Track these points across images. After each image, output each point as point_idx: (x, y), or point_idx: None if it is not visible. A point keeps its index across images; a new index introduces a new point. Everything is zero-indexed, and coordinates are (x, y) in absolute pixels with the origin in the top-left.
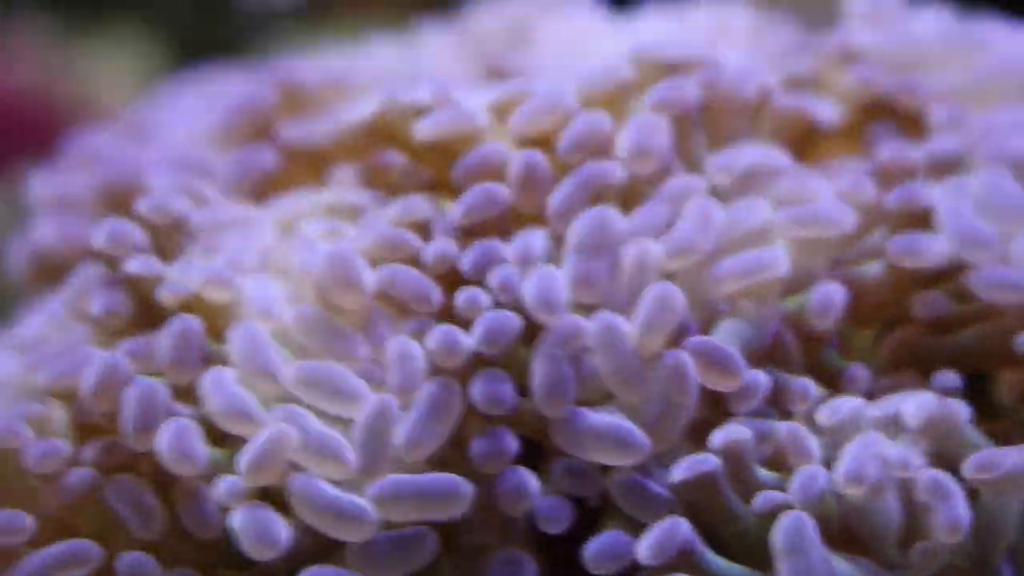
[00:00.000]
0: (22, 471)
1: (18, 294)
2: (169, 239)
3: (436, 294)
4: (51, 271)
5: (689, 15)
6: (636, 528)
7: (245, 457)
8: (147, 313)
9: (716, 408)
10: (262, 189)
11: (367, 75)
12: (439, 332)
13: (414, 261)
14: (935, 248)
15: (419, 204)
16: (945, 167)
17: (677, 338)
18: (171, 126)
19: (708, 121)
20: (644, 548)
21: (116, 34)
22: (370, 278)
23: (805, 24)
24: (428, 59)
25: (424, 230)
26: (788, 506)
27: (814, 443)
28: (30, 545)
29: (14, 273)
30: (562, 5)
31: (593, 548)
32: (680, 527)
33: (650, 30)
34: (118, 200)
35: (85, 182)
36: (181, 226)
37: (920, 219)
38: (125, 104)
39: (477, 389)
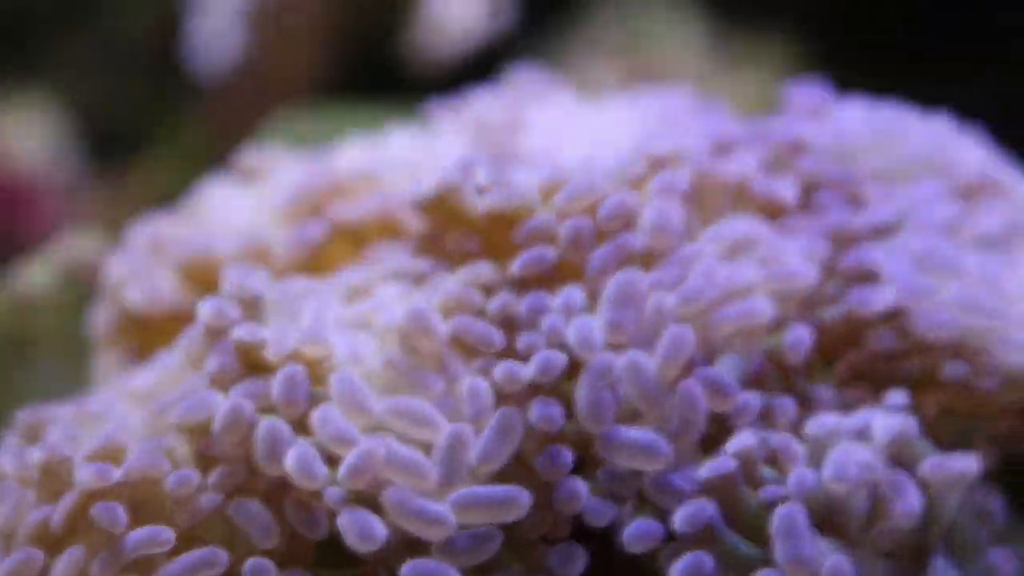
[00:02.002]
0: (161, 495)
1: (94, 351)
2: (253, 311)
3: (499, 338)
4: (130, 334)
5: (645, 99)
6: (662, 518)
7: (343, 467)
8: (252, 369)
9: (721, 426)
10: (314, 263)
11: (391, 163)
12: (503, 366)
13: (479, 313)
14: (881, 298)
15: (483, 267)
16: (883, 231)
17: (688, 369)
18: (228, 212)
19: (700, 200)
20: (679, 519)
21: (29, 104)
22: (443, 328)
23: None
24: (441, 148)
25: (486, 288)
26: (785, 498)
27: (800, 449)
28: (167, 555)
29: (95, 337)
30: (546, 94)
31: (629, 531)
32: (708, 507)
33: (617, 113)
34: (194, 279)
35: (160, 263)
36: (260, 300)
37: (867, 275)
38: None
39: (534, 411)
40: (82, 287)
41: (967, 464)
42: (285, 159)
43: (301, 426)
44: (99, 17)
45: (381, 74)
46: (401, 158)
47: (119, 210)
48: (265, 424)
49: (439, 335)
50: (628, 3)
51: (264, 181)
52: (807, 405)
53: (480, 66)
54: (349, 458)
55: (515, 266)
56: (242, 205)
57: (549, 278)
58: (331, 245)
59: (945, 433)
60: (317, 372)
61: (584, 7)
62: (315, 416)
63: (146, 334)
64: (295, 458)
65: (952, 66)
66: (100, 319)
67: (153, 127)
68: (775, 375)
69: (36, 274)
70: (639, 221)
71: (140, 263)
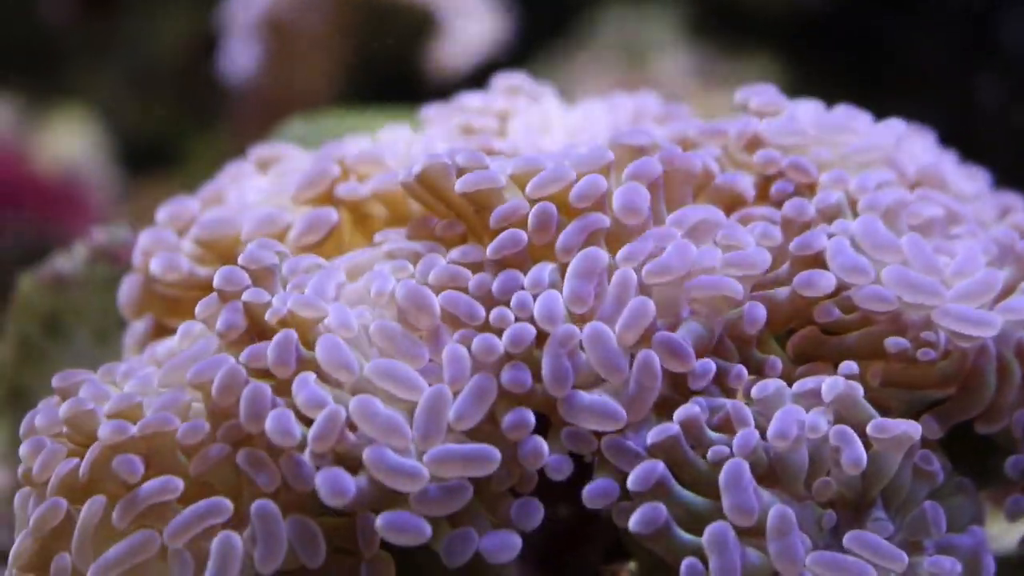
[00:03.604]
0: (174, 446)
1: (124, 323)
2: (263, 280)
3: (481, 312)
4: (154, 303)
5: (616, 101)
6: (619, 477)
7: (311, 431)
8: (257, 328)
9: (678, 389)
10: (326, 238)
11: (393, 152)
12: (481, 338)
13: (465, 289)
14: (825, 281)
15: (473, 250)
16: (832, 214)
17: (648, 337)
18: (245, 195)
19: (667, 188)
20: (632, 479)
21: (70, 119)
22: (436, 301)
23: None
24: (435, 140)
25: (473, 267)
26: (731, 456)
27: (749, 412)
28: (180, 502)
29: (123, 306)
30: (529, 96)
31: (589, 490)
32: (658, 466)
33: (592, 114)
34: (213, 252)
35: (187, 237)
36: (270, 270)
37: (814, 259)
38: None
39: (505, 376)
40: (113, 269)
41: (910, 427)
42: (295, 151)
43: (289, 388)
44: (132, 39)
45: (401, 86)
46: (399, 148)
47: (151, 213)
48: (248, 389)
49: (433, 308)
50: (628, 25)
51: (278, 168)
52: (761, 374)
53: (490, 78)
54: (315, 424)
55: (490, 249)
56: (258, 188)
57: (523, 259)
58: (340, 225)
59: (890, 404)
60: (310, 336)
61: (587, 28)
62: (295, 383)
63: (168, 304)
64: (272, 419)
65: (925, 90)
66: (127, 290)
67: (184, 141)
68: (732, 346)
69: (73, 258)
70: (609, 203)
71: (162, 236)
